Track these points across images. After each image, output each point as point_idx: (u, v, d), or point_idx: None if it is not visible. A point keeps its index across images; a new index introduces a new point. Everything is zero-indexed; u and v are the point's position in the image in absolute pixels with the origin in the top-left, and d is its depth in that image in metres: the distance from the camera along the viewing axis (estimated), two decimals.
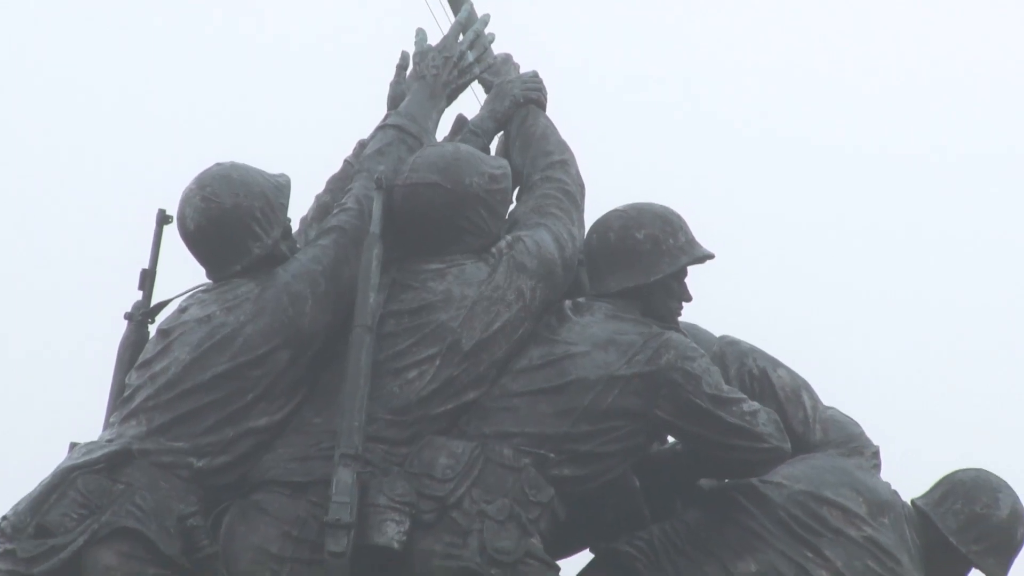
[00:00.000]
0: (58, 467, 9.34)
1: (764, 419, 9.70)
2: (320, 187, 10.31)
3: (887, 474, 10.27)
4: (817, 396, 10.30)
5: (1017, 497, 10.24)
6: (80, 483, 9.22)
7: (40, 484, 9.29)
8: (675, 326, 9.88)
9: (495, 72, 10.47)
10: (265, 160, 9.87)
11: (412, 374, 9.50)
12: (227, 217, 9.64)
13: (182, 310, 9.71)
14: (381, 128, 10.14)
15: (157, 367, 9.52)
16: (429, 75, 10.31)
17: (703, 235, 10.00)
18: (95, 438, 9.50)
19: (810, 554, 9.73)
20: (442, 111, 10.33)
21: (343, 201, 9.87)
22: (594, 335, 9.64)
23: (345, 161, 10.31)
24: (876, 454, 10.27)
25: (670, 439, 9.99)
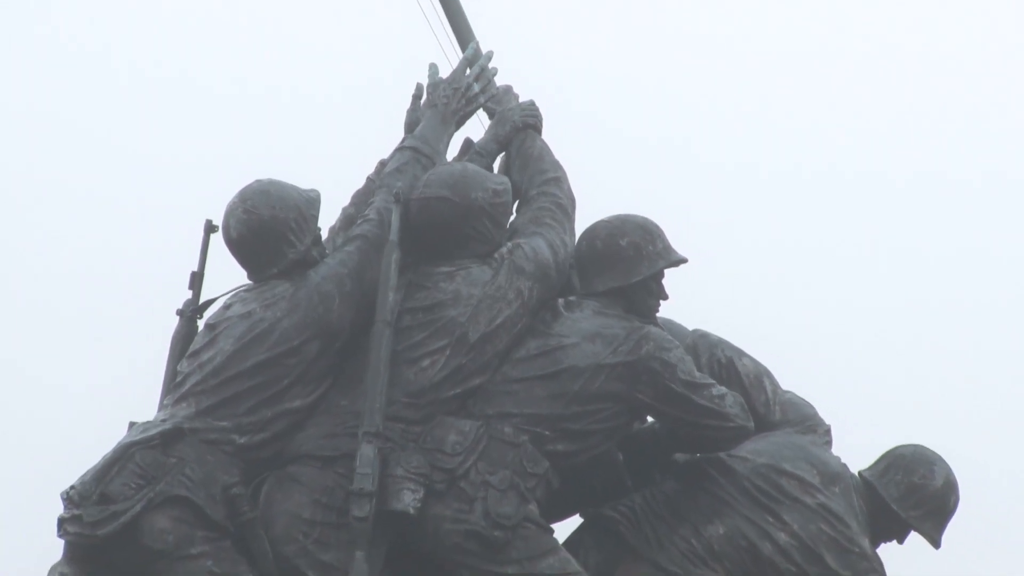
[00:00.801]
0: (119, 443, 9.35)
1: (731, 402, 9.76)
2: (346, 200, 10.30)
3: (838, 449, 10.28)
4: (776, 381, 10.32)
5: (950, 469, 10.27)
6: (138, 457, 9.24)
7: (103, 458, 9.30)
8: (654, 321, 9.89)
9: (497, 101, 10.47)
10: (298, 177, 9.91)
11: (426, 363, 9.51)
12: (265, 227, 9.67)
13: (226, 307, 9.74)
14: (399, 150, 10.14)
15: (205, 357, 9.55)
16: (440, 104, 10.31)
17: (681, 243, 10.02)
18: (151, 418, 9.54)
19: (771, 518, 9.78)
20: (452, 135, 10.32)
21: (366, 213, 9.87)
22: (583, 329, 9.67)
23: (368, 178, 10.28)
24: (828, 432, 10.29)
25: (649, 419, 10.00)
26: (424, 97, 10.40)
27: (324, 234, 10.00)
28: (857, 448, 10.33)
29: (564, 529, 9.89)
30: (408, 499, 9.22)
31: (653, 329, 9.76)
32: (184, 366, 9.65)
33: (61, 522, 9.29)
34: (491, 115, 10.45)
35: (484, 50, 10.56)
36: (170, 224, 9.62)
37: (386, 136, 10.32)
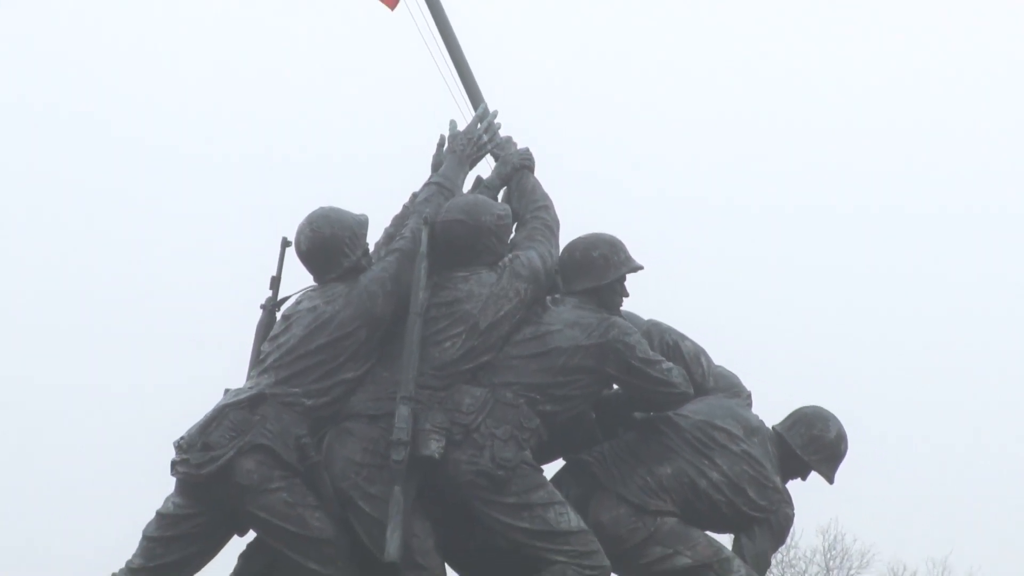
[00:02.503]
0: (216, 404, 9.44)
1: (676, 373, 9.80)
2: (387, 222, 10.23)
3: (757, 409, 10.30)
4: (711, 358, 10.29)
5: (841, 424, 10.28)
6: (231, 415, 9.35)
7: (205, 416, 9.39)
8: (618, 313, 9.92)
9: (501, 148, 10.41)
10: (353, 204, 9.92)
11: (447, 344, 9.54)
12: (326, 242, 9.70)
13: (297, 302, 9.76)
14: (427, 185, 10.14)
15: (281, 340, 9.60)
16: (458, 150, 10.29)
17: (640, 253, 10.03)
18: (241, 386, 9.59)
19: (706, 461, 9.82)
20: (467, 173, 10.31)
21: (402, 232, 9.88)
22: (565, 319, 9.70)
23: (404, 206, 10.22)
24: (749, 396, 10.30)
25: (615, 387, 9.98)
26: (446, 145, 10.36)
27: (371, 247, 9.96)
28: (773, 408, 10.37)
29: (551, 469, 9.90)
30: (434, 446, 9.28)
31: (618, 319, 9.79)
32: (266, 347, 9.67)
33: (173, 464, 9.39)
34: (496, 159, 10.40)
35: (490, 109, 10.51)
36: (256, 242, 9.64)
37: (416, 172, 10.36)
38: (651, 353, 9.79)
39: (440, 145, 10.38)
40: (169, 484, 9.52)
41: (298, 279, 9.91)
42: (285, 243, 9.93)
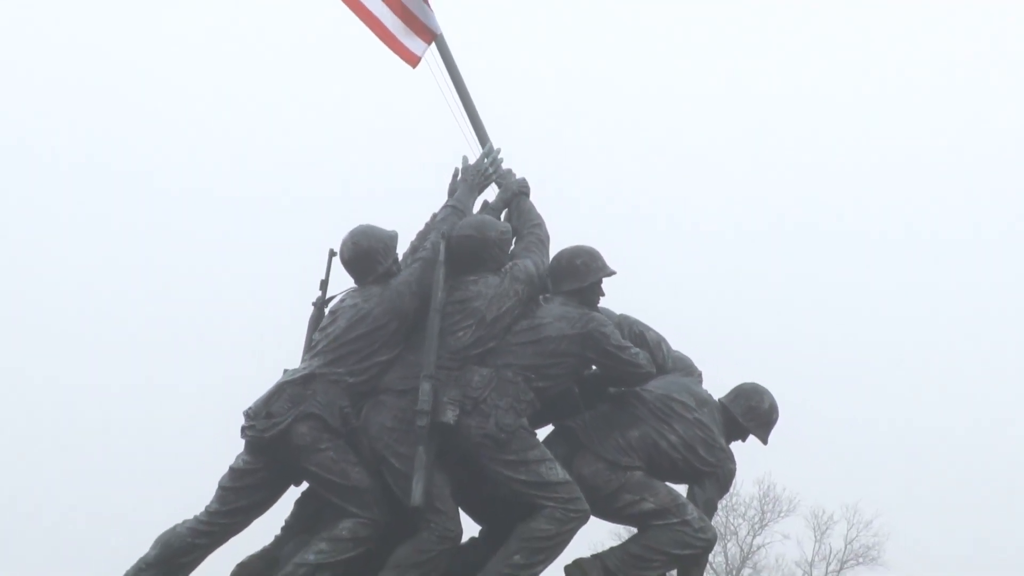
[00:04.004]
0: (277, 381, 9.47)
1: (642, 357, 9.79)
2: (412, 236, 10.13)
3: (708, 385, 10.28)
4: (669, 344, 10.22)
5: (773, 397, 10.29)
6: (288, 390, 9.37)
7: (267, 390, 9.43)
8: (596, 309, 9.89)
9: (503, 178, 10.34)
10: (386, 222, 9.94)
11: (460, 334, 9.51)
12: (365, 253, 9.71)
13: (341, 301, 9.74)
14: (444, 207, 10.10)
15: (329, 330, 9.58)
16: (469, 179, 10.26)
17: (614, 257, 9.99)
18: (296, 367, 9.59)
19: (666, 427, 9.81)
20: (476, 198, 10.26)
21: (424, 245, 9.84)
22: (554, 313, 9.68)
23: (426, 224, 10.12)
24: (700, 375, 10.27)
25: (594, 368, 9.91)
26: (459, 175, 10.32)
27: (400, 256, 9.91)
28: (721, 384, 10.36)
29: (542, 433, 9.90)
30: (450, 415, 9.30)
31: (596, 314, 9.80)
32: (316, 336, 9.66)
33: (243, 429, 9.44)
34: (499, 186, 10.35)
35: (495, 147, 10.45)
36: (309, 253, 9.66)
37: (433, 197, 10.33)
38: (622, 341, 9.77)
39: (455, 176, 10.35)
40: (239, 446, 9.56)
41: (342, 282, 9.93)
42: (331, 253, 9.89)
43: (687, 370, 10.26)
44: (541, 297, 9.87)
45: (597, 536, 10.12)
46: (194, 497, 9.65)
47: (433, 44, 10.61)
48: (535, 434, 9.67)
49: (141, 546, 9.39)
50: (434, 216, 10.16)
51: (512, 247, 10.06)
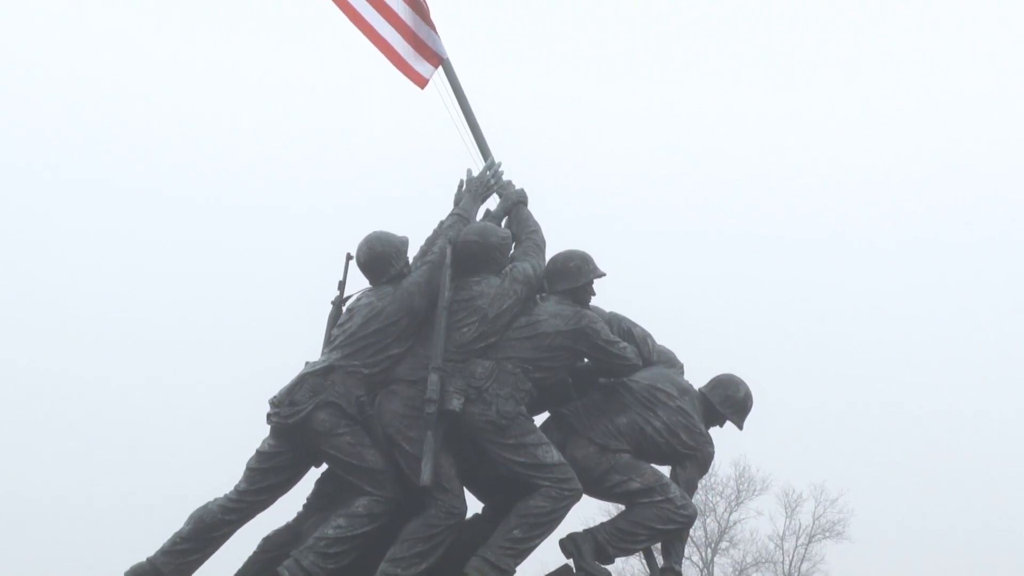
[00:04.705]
0: (300, 372, 9.45)
1: (630, 351, 9.79)
2: (422, 241, 10.03)
3: (689, 376, 10.23)
4: (654, 339, 10.17)
5: (748, 387, 10.25)
6: (310, 380, 9.38)
7: (291, 381, 9.42)
8: (587, 306, 9.85)
9: (504, 188, 10.27)
10: (397, 228, 9.90)
11: (465, 329, 9.49)
12: (379, 257, 9.68)
13: (357, 299, 9.72)
14: (451, 215, 10.05)
15: (346, 326, 9.57)
16: (473, 190, 10.21)
17: (603, 260, 9.96)
18: (316, 359, 9.55)
19: (651, 414, 9.79)
20: (479, 207, 10.20)
21: (432, 249, 9.82)
22: (550, 311, 9.66)
23: (433, 230, 10.04)
24: (682, 367, 10.22)
25: (586, 360, 9.87)
26: (464, 186, 10.29)
27: (410, 260, 9.88)
28: (701, 374, 10.35)
29: (539, 420, 9.88)
30: (456, 403, 9.29)
31: (587, 312, 9.79)
32: (335, 332, 9.65)
33: (268, 415, 9.43)
34: (500, 196, 10.31)
35: (496, 161, 10.38)
36: (330, 257, 9.63)
37: (439, 208, 10.32)
38: (612, 336, 9.78)
39: (460, 186, 10.34)
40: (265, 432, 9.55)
41: (358, 282, 9.93)
42: (348, 257, 9.88)
43: (670, 362, 10.22)
44: (538, 296, 9.85)
45: (588, 512, 10.13)
46: (218, 482, 9.67)
47: (440, 67, 10.59)
48: (532, 420, 9.65)
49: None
50: (441, 223, 10.13)
51: (512, 251, 10.03)
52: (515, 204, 10.25)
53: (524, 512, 9.32)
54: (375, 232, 9.81)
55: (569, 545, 9.61)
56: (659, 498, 9.64)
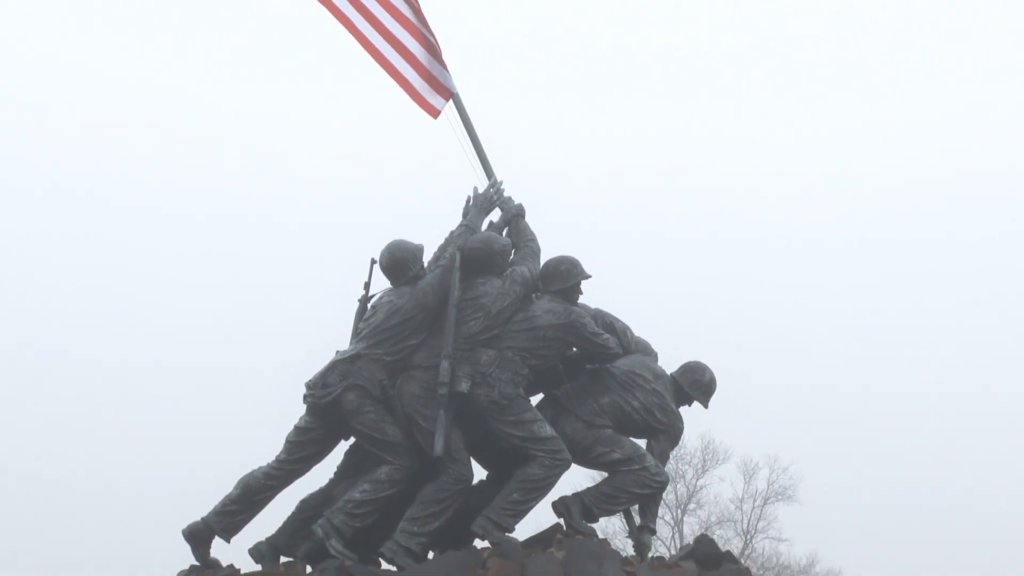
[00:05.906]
0: (331, 360, 9.44)
1: (612, 342, 9.77)
2: (435, 248, 9.92)
3: (662, 362, 10.16)
4: (632, 331, 10.07)
5: (713, 372, 10.18)
6: (339, 367, 9.38)
7: (323, 367, 9.42)
8: (576, 304, 9.79)
9: (505, 203, 10.16)
10: (414, 237, 9.86)
11: (472, 323, 9.45)
12: (398, 261, 9.64)
13: (380, 298, 9.69)
14: (459, 226, 9.99)
15: (371, 320, 9.54)
16: (478, 205, 10.12)
17: (592, 263, 9.89)
18: (345, 348, 9.51)
19: (629, 395, 9.77)
20: (483, 219, 10.11)
21: (444, 255, 9.75)
22: (544, 308, 9.62)
23: (445, 239, 9.95)
24: (656, 355, 10.17)
25: (575, 349, 9.78)
26: (471, 201, 10.19)
27: (425, 264, 9.80)
28: (674, 361, 10.30)
29: (535, 400, 9.80)
30: (464, 385, 9.29)
31: (576, 308, 9.76)
32: (361, 325, 9.63)
33: (304, 396, 9.42)
34: (502, 210, 10.21)
35: (498, 179, 10.27)
36: (356, 263, 9.56)
37: (446, 220, 10.21)
38: (596, 328, 9.77)
39: (467, 202, 10.27)
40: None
41: (381, 283, 9.89)
42: (372, 261, 9.86)
43: (646, 351, 10.17)
44: (534, 295, 9.82)
45: (576, 479, 10.10)
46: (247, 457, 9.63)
47: (450, 100, 10.59)
48: (529, 400, 9.63)
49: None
50: (451, 233, 10.09)
51: (511, 257, 9.97)
52: (514, 216, 10.18)
53: (522, 478, 9.30)
54: (395, 240, 9.77)
55: (560, 507, 9.58)
56: (637, 467, 9.61)
